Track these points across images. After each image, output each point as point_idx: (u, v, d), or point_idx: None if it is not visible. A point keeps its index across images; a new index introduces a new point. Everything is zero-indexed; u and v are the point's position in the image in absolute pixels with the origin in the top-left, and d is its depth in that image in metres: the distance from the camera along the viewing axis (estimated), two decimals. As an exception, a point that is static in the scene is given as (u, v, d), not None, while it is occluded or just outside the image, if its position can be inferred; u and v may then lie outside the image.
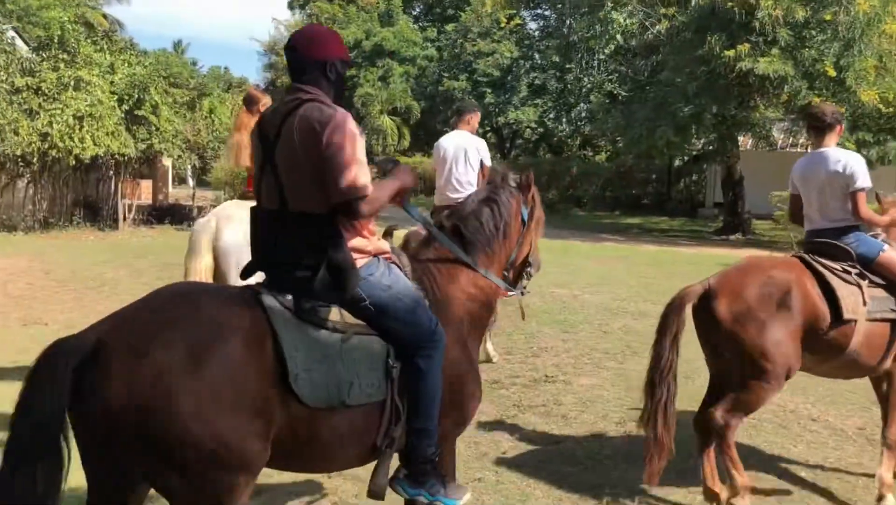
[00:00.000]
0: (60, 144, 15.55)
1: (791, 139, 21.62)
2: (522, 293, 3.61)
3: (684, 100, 19.66)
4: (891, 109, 17.31)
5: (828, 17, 17.31)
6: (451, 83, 34.59)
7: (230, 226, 5.08)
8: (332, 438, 2.65)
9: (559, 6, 29.36)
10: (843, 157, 4.35)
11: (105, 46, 17.81)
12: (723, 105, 19.34)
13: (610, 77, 33.01)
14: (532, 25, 37.28)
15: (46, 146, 15.63)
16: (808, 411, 5.81)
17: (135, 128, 17.45)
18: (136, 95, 17.10)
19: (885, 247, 4.32)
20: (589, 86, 33.24)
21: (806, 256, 4.27)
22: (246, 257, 4.65)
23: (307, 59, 2.75)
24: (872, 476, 4.40)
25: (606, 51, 32.00)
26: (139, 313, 2.46)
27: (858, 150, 16.89)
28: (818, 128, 4.50)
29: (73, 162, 16.28)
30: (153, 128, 17.56)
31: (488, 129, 39.69)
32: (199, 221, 5.38)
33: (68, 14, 16.45)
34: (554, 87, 34.44)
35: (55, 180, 17.69)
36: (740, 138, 22.25)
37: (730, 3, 18.01)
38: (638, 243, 19.27)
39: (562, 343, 7.67)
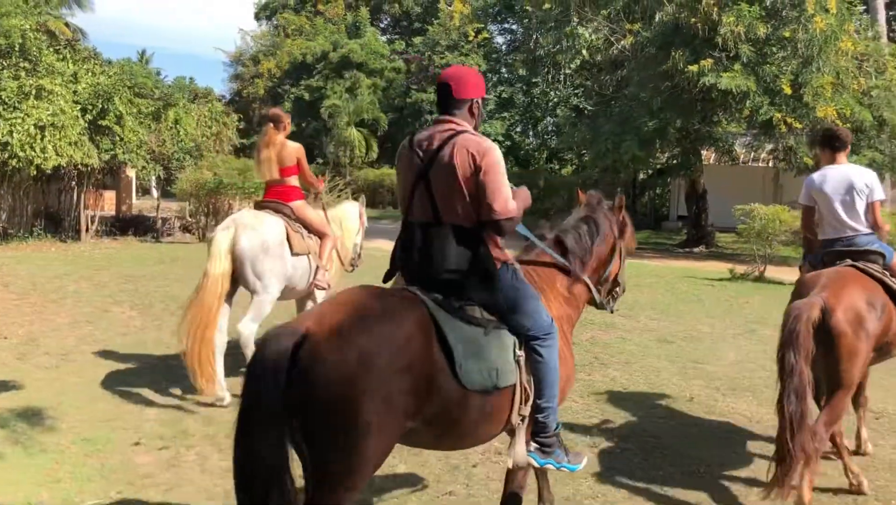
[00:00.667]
0: (21, 154, 15.23)
1: (752, 154, 21.98)
2: (612, 311, 4.19)
3: (649, 114, 19.91)
4: (848, 125, 17.62)
5: (787, 35, 17.67)
6: (419, 95, 34.68)
7: (246, 233, 5.68)
8: (478, 417, 3.05)
9: (526, 21, 29.58)
10: (864, 172, 4.95)
11: (68, 55, 17.55)
12: (687, 119, 19.60)
13: (576, 91, 33.37)
14: (499, 39, 37.64)
15: (6, 156, 15.31)
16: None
17: (98, 138, 17.18)
18: (100, 105, 16.84)
19: (892, 250, 4.82)
20: (555, 100, 33.58)
21: (860, 266, 4.62)
22: (260, 263, 5.61)
23: (457, 97, 3.22)
24: None
25: (572, 65, 32.32)
26: (335, 309, 2.79)
27: (816, 165, 17.38)
28: (836, 147, 5.02)
29: (35, 172, 15.97)
30: (117, 138, 17.31)
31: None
32: (219, 228, 5.79)
33: (30, 22, 16.12)
34: (521, 100, 34.70)
35: (15, 191, 17.33)
36: (703, 152, 22.59)
37: (693, 20, 18.32)
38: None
39: (530, 355, 7.67)
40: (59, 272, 12.44)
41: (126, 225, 19.11)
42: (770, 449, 5.28)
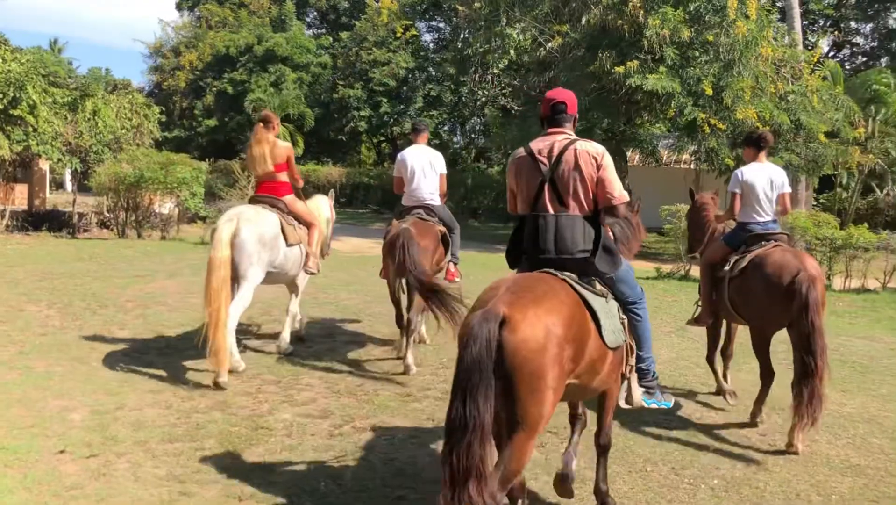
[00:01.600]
0: (-76, 144, 14.34)
1: (675, 155, 22.43)
2: None
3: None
4: (767, 128, 18.20)
5: (710, 39, 18.11)
6: (346, 91, 34.30)
7: (248, 226, 6.44)
8: (609, 369, 3.78)
9: (454, 20, 29.55)
10: (779, 169, 6.14)
11: (-25, 41, 16.60)
12: (613, 120, 19.89)
13: (503, 91, 33.55)
14: (427, 37, 37.51)
15: None
16: (714, 420, 5.94)
17: (9, 128, 16.32)
18: (12, 94, 15.99)
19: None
20: (483, 99, 33.65)
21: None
22: (255, 253, 6.41)
23: (569, 113, 4.06)
24: None
25: (500, 65, 32.61)
26: (519, 295, 3.34)
27: (736, 165, 17.87)
28: (761, 147, 6.06)
29: (-60, 163, 15.05)
30: (30, 129, 16.48)
31: (383, 139, 39.59)
32: (223, 220, 6.45)
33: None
34: (449, 99, 34.66)
35: (-83, 183, 16.32)
36: (628, 154, 22.96)
37: (619, 22, 18.61)
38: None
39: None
40: (-33, 269, 11.74)
41: (40, 220, 18.19)
42: (715, 445, 5.35)
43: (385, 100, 34.24)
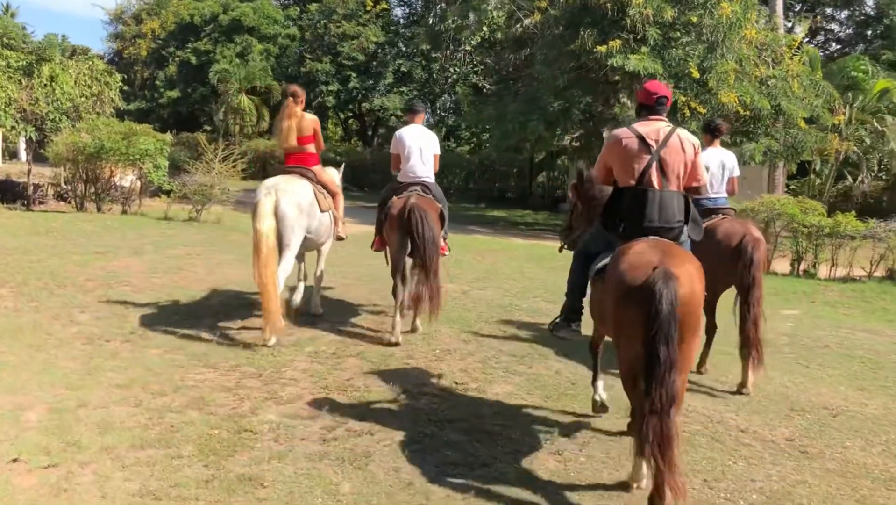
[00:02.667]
0: None
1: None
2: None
3: (554, 94, 19.61)
4: (748, 113, 17.90)
5: (693, 19, 17.69)
6: (313, 65, 33.31)
7: (286, 196, 6.76)
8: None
9: (428, -7, 28.81)
10: (730, 154, 6.95)
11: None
12: (593, 100, 19.40)
13: (475, 69, 32.89)
14: (398, 11, 36.60)
15: None
16: (735, 422, 5.47)
17: (-41, 92, 15.29)
18: (-39, 56, 14.95)
19: None
20: (455, 76, 32.97)
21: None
22: (296, 221, 6.74)
23: (668, 105, 4.64)
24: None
25: (473, 42, 31.91)
26: (679, 260, 4.00)
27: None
28: (716, 134, 6.92)
29: None
30: (-19, 93, 15.46)
31: (351, 114, 38.70)
32: (262, 192, 6.70)
33: None
34: (420, 75, 33.88)
35: None
36: (605, 135, 22.51)
37: (602, 0, 18.06)
38: (506, 236, 19.07)
39: (464, 345, 7.05)
40: (-89, 242, 10.85)
41: (-9, 191, 17.16)
42: (742, 451, 4.89)
43: (354, 74, 33.32)
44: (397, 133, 7.67)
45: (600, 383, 5.26)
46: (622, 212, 4.45)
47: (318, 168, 7.40)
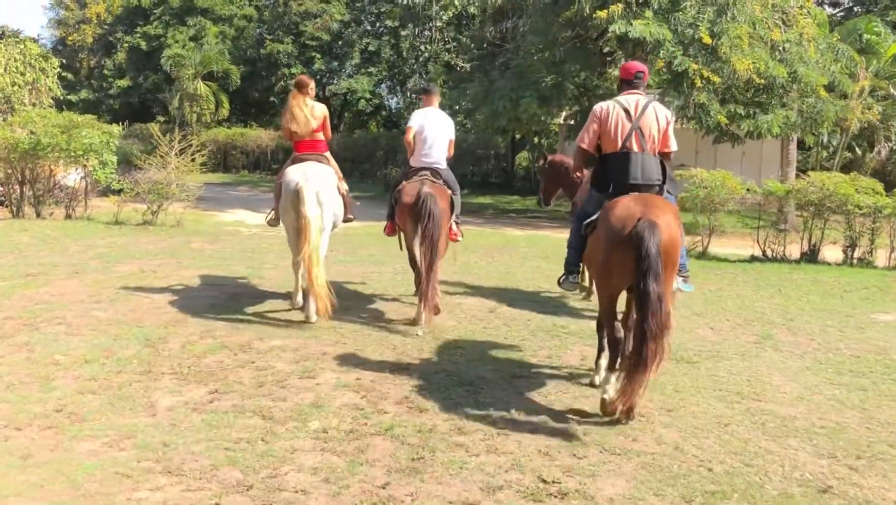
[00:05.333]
0: None
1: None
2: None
3: (546, 68, 17.71)
4: (762, 81, 16.14)
5: (702, -22, 15.88)
6: (274, 46, 30.90)
7: (324, 184, 7.02)
8: None
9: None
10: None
11: None
12: (590, 73, 17.53)
13: (447, 46, 30.82)
14: (363, -13, 34.27)
15: None
16: None
17: None
18: None
19: None
20: (426, 55, 30.88)
21: None
22: (333, 204, 7.18)
23: (644, 79, 5.26)
24: None
25: (444, 17, 29.82)
26: (659, 210, 4.69)
27: (729, 124, 15.70)
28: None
29: None
30: None
31: (316, 98, 36.33)
32: (298, 178, 6.85)
33: None
34: (388, 55, 31.67)
35: None
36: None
37: (599, -41, 16.16)
38: (500, 227, 17.20)
39: (532, 415, 5.11)
40: None
41: None
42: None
43: (318, 55, 31.08)
44: (414, 115, 7.62)
45: (603, 363, 5.35)
46: (610, 173, 5.04)
47: (328, 154, 7.51)
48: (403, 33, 31.27)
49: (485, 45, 23.63)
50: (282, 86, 31.66)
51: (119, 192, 14.80)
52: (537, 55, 18.06)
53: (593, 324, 7.27)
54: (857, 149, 22.55)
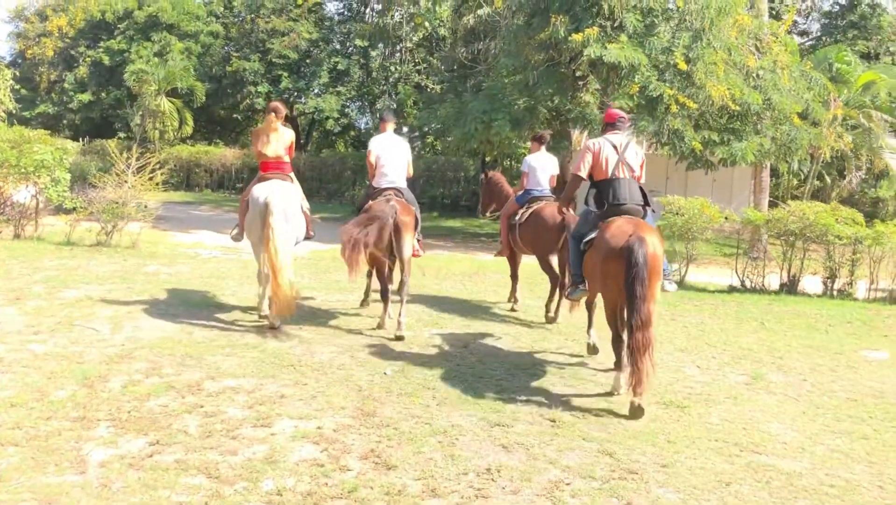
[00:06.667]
0: None
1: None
2: None
3: (518, 91, 17.35)
4: (737, 108, 15.95)
5: (680, 4, 15.66)
6: (240, 63, 30.25)
7: (290, 199, 7.71)
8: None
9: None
10: (553, 157, 9.16)
11: None
12: (563, 96, 17.20)
13: (418, 68, 30.47)
14: (332, 6, 33.85)
15: None
16: None
17: None
18: None
19: None
20: (396, 75, 30.49)
21: None
22: (297, 219, 7.77)
23: (625, 123, 6.37)
24: None
25: (414, 39, 29.48)
26: (643, 231, 5.64)
27: (703, 151, 15.48)
28: (543, 142, 9.10)
29: None
30: None
31: (284, 117, 35.70)
32: (266, 194, 7.45)
33: None
34: (358, 74, 31.18)
35: None
36: (574, 134, 20.35)
37: (574, -18, 15.89)
38: (471, 251, 16.72)
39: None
40: None
41: None
42: None
43: (285, 74, 30.40)
44: (370, 142, 8.28)
45: (593, 332, 7.15)
46: (604, 195, 6.05)
47: (292, 174, 8.11)
48: (373, 53, 30.88)
49: (455, 67, 23.32)
50: (247, 103, 30.95)
51: (72, 210, 14.08)
52: (509, 78, 17.72)
53: (574, 361, 6.87)
54: (826, 177, 22.53)
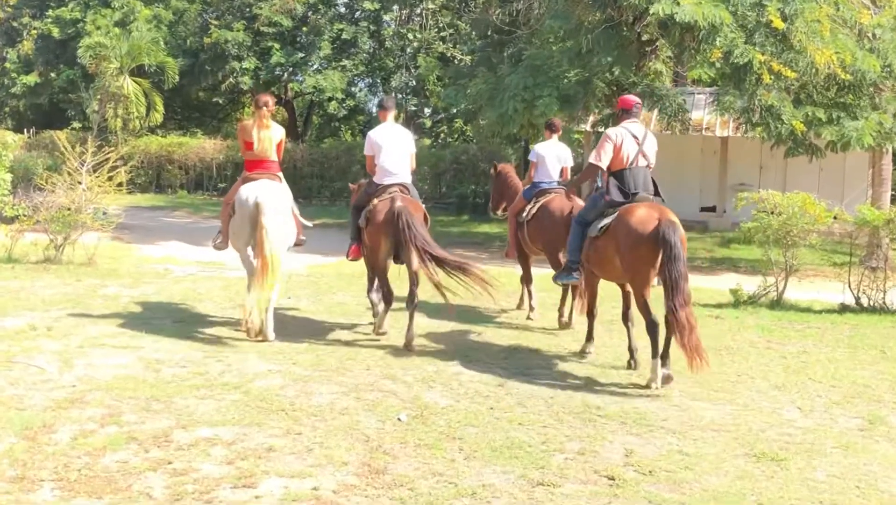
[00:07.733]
0: None
1: (719, 116, 19.87)
2: None
3: (569, 61, 17.47)
4: (848, 77, 15.83)
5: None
6: (221, 34, 30.66)
7: (282, 199, 8.71)
8: None
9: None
10: (566, 147, 10.37)
11: None
12: (624, 68, 17.26)
13: (442, 34, 30.76)
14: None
15: None
16: None
17: None
18: None
19: None
20: (415, 44, 30.79)
21: None
22: (290, 220, 8.84)
23: (640, 110, 8.48)
24: None
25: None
26: (667, 213, 7.30)
27: (806, 132, 15.41)
28: (555, 131, 10.35)
29: None
30: None
31: (277, 101, 36.21)
32: (256, 195, 8.40)
33: None
34: (367, 44, 31.51)
35: None
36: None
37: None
38: (510, 264, 16.66)
39: None
40: None
41: None
42: None
43: (277, 46, 30.82)
44: (370, 133, 9.05)
45: (592, 346, 8.42)
46: (624, 184, 7.60)
47: (280, 174, 8.98)
48: (386, 18, 31.21)
49: (490, 32, 23.50)
50: (231, 83, 31.36)
51: (14, 220, 14.42)
52: (557, 44, 17.86)
53: (638, 403, 6.88)
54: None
